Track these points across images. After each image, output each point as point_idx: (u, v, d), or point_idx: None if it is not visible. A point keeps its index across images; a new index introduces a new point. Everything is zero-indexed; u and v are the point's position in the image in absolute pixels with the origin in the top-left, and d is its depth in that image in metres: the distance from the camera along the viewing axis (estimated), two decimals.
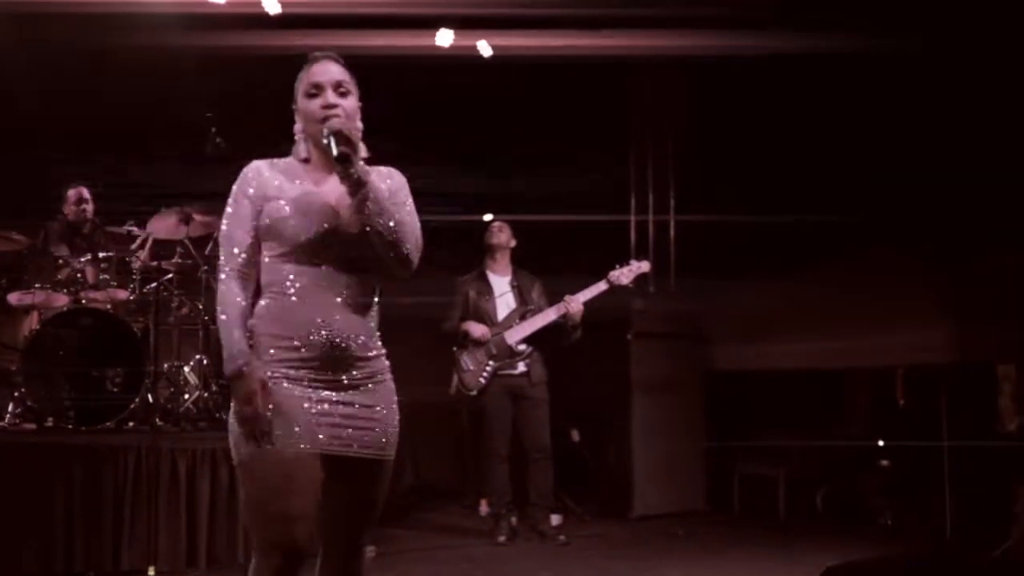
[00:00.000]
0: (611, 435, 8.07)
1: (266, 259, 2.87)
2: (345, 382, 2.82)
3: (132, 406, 6.14)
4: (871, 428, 7.93)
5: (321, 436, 2.78)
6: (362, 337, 2.85)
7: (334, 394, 2.81)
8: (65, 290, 6.42)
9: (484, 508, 7.48)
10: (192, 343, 6.97)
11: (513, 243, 6.83)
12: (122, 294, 6.60)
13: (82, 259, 6.55)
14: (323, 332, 2.79)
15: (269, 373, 2.77)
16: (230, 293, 2.84)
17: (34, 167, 7.61)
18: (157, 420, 6.17)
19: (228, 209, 2.91)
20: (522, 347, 6.58)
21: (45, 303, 6.42)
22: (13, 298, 6.47)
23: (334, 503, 2.84)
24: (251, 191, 2.89)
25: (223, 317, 2.82)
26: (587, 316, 6.51)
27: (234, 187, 2.93)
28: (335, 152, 2.74)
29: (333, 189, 2.87)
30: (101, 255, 6.63)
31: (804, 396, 8.04)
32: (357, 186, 2.75)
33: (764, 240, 7.66)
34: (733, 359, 8.33)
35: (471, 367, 6.57)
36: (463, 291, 6.75)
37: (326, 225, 2.81)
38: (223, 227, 2.91)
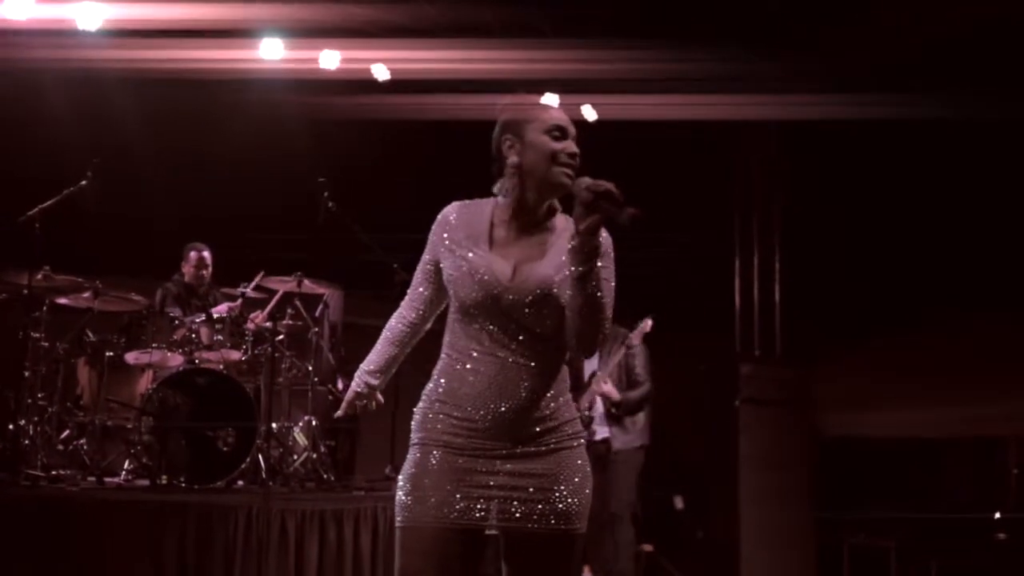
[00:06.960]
0: (717, 503, 7.93)
1: (449, 315, 2.77)
2: (519, 451, 2.63)
3: (243, 466, 6.21)
4: (983, 498, 7.71)
5: (480, 508, 2.62)
6: (541, 403, 2.65)
7: (506, 464, 2.63)
8: (180, 350, 6.55)
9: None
10: (301, 404, 7.02)
11: None
12: (235, 355, 6.70)
13: (197, 320, 6.68)
14: (497, 401, 2.62)
15: (437, 438, 2.67)
16: (396, 317, 2.93)
17: (146, 228, 7.82)
18: (269, 481, 6.20)
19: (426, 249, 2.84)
20: (588, 413, 6.33)
21: (161, 362, 6.55)
22: (130, 357, 6.58)
23: None
24: (437, 238, 2.77)
25: (383, 335, 2.95)
26: (692, 383, 6.39)
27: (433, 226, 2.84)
28: (585, 202, 2.48)
29: (524, 248, 2.69)
30: (215, 315, 6.75)
31: (914, 464, 7.85)
32: (590, 256, 2.48)
33: (871, 305, 7.55)
34: (842, 425, 8.16)
35: None
36: None
37: (496, 290, 2.62)
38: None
